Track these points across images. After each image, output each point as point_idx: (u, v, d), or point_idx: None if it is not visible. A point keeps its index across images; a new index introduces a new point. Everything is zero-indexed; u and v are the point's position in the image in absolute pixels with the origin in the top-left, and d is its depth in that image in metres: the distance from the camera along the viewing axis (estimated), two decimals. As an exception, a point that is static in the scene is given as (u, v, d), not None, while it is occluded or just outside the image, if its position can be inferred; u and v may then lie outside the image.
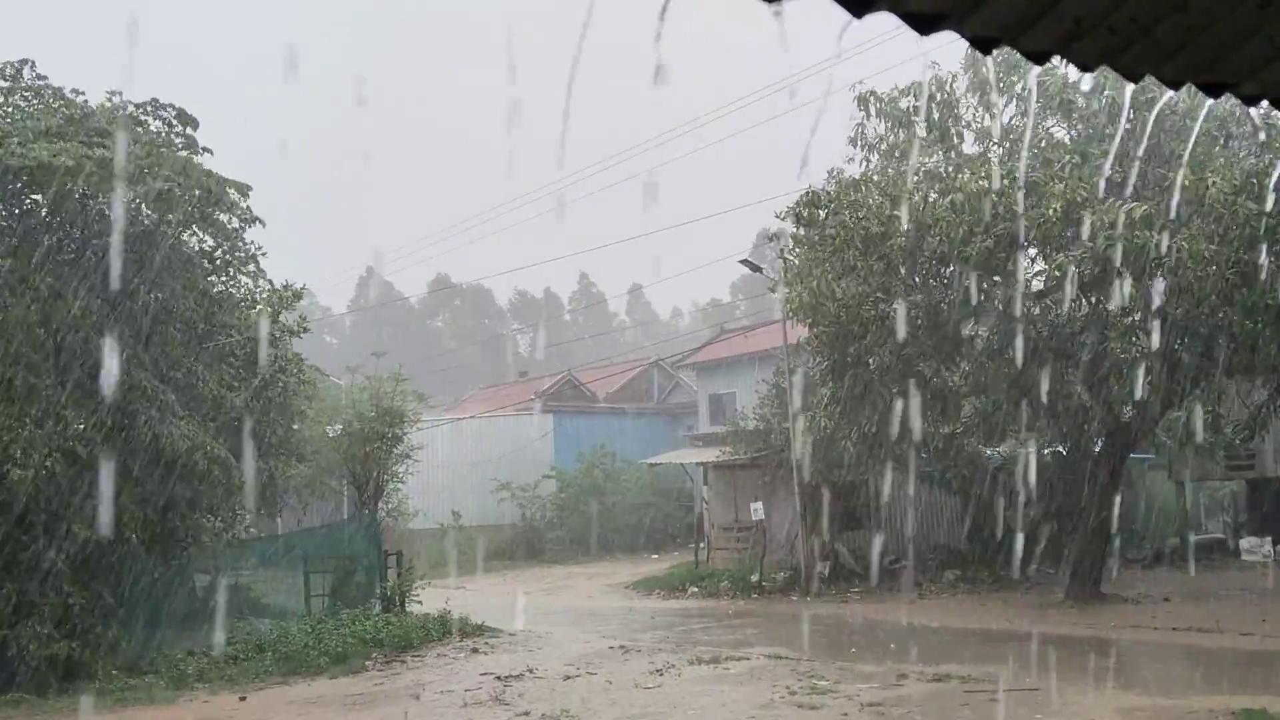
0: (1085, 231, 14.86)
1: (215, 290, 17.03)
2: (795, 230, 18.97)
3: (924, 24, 2.16)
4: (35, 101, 15.14)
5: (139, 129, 15.71)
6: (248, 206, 16.73)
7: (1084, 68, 2.42)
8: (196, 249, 16.49)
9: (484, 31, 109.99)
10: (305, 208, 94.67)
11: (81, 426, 13.49)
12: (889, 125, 19.68)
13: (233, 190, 16.19)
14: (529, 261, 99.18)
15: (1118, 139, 16.85)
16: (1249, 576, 21.25)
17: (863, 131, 19.95)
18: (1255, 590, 19.39)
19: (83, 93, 15.67)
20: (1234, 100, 2.70)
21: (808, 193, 18.24)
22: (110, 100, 15.85)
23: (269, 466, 17.47)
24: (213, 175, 15.74)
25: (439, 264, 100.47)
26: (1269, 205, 13.43)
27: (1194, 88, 2.60)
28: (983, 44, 2.27)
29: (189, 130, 16.14)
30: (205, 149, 16.28)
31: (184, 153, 15.79)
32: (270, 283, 17.85)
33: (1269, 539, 23.49)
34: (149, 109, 16.00)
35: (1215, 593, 19.07)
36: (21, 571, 13.44)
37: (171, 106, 16.13)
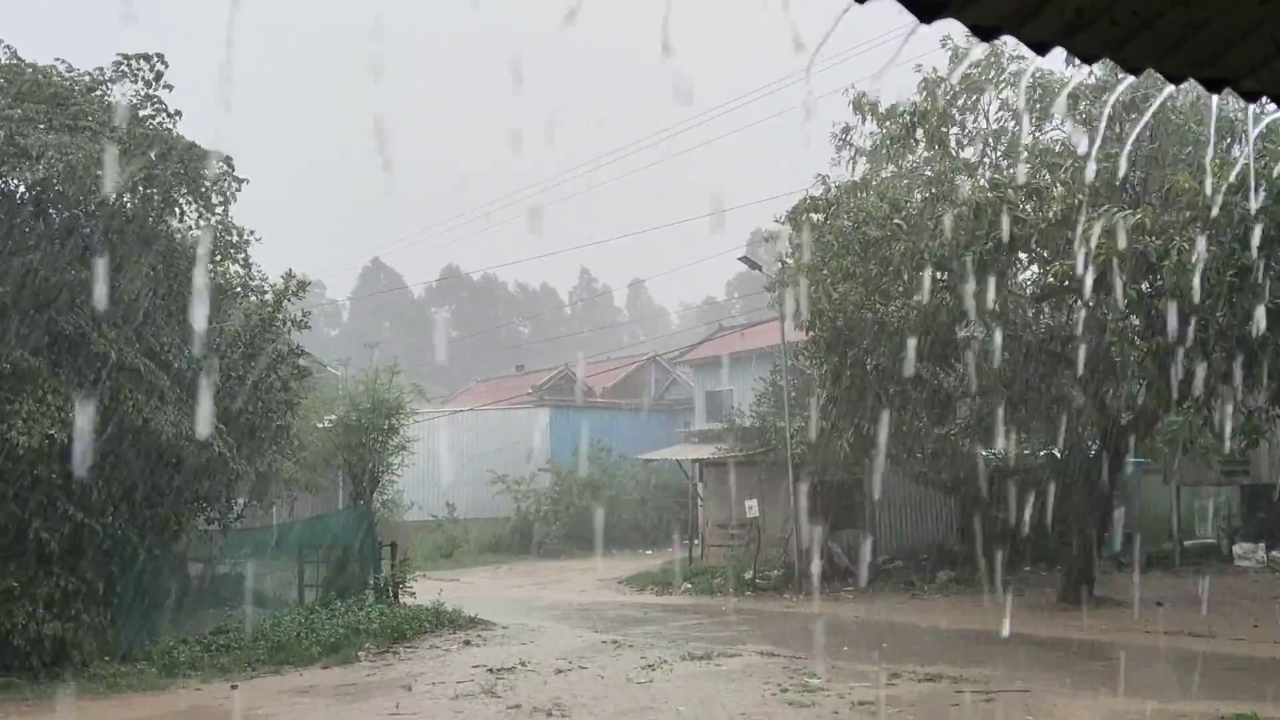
0: (1084, 235, 14.83)
1: (211, 277, 16.75)
2: (794, 234, 18.96)
3: (925, 10, 2.15)
4: (15, 79, 14.54)
5: (117, 92, 15.01)
6: (228, 174, 15.94)
7: (1085, 60, 2.42)
8: (189, 234, 16.16)
9: (488, 24, 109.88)
10: (309, 199, 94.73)
11: (70, 410, 13.39)
12: (883, 128, 19.66)
13: (220, 163, 15.61)
14: (532, 255, 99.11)
15: (1122, 141, 16.82)
16: (1242, 582, 21.28)
17: (849, 136, 19.95)
18: (1248, 596, 19.43)
19: (63, 61, 14.97)
20: (1237, 102, 2.70)
21: (807, 197, 18.23)
22: (81, 70, 15.04)
23: (263, 457, 17.36)
24: (195, 147, 15.11)
25: (442, 256, 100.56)
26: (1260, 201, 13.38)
27: (1196, 84, 2.60)
28: (983, 32, 2.27)
29: (164, 87, 15.13)
30: (175, 111, 15.27)
31: (158, 117, 15.05)
32: (267, 279, 17.62)
33: (1262, 545, 23.54)
34: (127, 68, 14.98)
35: (1208, 598, 19.06)
36: (14, 552, 13.41)
37: (145, 58, 15.01)
